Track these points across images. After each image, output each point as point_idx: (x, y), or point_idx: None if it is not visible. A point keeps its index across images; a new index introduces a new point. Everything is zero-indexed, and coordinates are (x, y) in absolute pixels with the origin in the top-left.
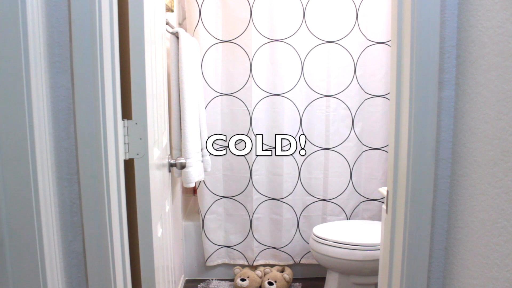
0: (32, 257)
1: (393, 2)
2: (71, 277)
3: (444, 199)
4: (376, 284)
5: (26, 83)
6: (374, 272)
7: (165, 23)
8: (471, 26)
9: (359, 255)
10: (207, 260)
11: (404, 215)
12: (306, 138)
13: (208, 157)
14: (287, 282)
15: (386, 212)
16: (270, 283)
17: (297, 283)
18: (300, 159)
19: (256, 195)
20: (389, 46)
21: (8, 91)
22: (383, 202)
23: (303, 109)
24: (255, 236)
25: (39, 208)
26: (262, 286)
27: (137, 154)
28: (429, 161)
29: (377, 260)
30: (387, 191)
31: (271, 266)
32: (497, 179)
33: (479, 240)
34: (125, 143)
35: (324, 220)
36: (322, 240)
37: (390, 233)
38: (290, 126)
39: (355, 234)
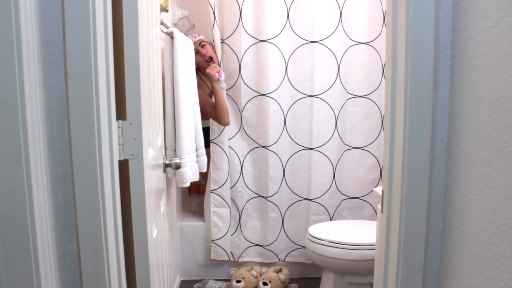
0: (26, 258)
1: (387, 2)
2: (66, 279)
3: (439, 198)
4: (371, 284)
5: (19, 83)
6: (370, 272)
7: (159, 23)
8: (466, 26)
9: (354, 254)
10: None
11: (399, 215)
12: (290, 137)
13: (204, 157)
14: (282, 282)
15: (382, 211)
16: (265, 283)
17: (293, 284)
18: (284, 158)
19: (246, 191)
20: (371, 46)
21: (1, 91)
22: (365, 200)
23: (287, 109)
24: (242, 233)
25: (33, 210)
26: (257, 287)
27: (132, 154)
28: (424, 161)
29: (373, 259)
30: (382, 191)
31: (262, 265)
32: (491, 179)
33: (474, 240)
34: (119, 144)
35: (308, 219)
36: (317, 240)
37: (385, 233)
38: (275, 126)
39: (351, 234)
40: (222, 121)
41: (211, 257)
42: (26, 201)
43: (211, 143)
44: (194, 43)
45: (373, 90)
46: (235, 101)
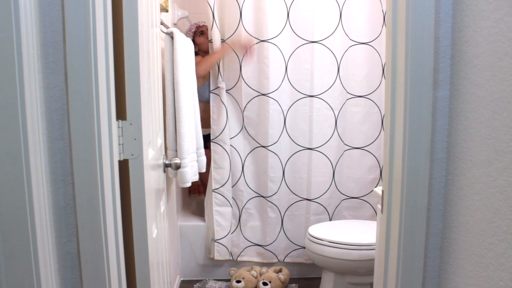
0: (26, 258)
1: (387, 2)
2: (66, 279)
3: (439, 198)
4: (371, 284)
5: (19, 83)
6: (370, 272)
7: (159, 23)
8: (466, 26)
9: (354, 254)
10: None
11: (399, 215)
12: (290, 137)
13: (203, 157)
14: (282, 282)
15: (382, 211)
16: (265, 283)
17: (293, 284)
18: (284, 158)
19: (247, 191)
20: (371, 46)
21: (1, 91)
22: (365, 200)
23: (287, 109)
24: (242, 232)
25: (33, 210)
26: (257, 287)
27: (132, 154)
28: (424, 161)
29: (373, 259)
30: (382, 191)
31: (261, 265)
32: (491, 179)
33: (474, 240)
34: (119, 144)
35: (307, 220)
36: (317, 240)
37: (385, 233)
38: (275, 126)
39: (351, 234)
40: (198, 70)
41: (215, 257)
42: (26, 201)
43: (211, 143)
44: (194, 32)
45: (373, 90)
46: (236, 101)
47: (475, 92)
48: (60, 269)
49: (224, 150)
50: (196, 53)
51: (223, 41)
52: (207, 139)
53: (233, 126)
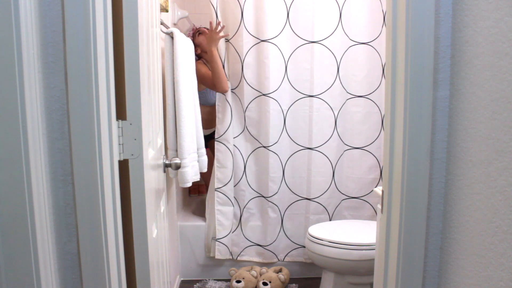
0: (26, 258)
1: (387, 2)
2: (66, 279)
3: (439, 198)
4: (371, 284)
5: (19, 83)
6: (370, 272)
7: (159, 23)
8: (466, 26)
9: (354, 254)
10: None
11: (399, 215)
12: (290, 137)
13: (204, 157)
14: (282, 282)
15: (382, 211)
16: (265, 283)
17: (293, 284)
18: (284, 158)
19: (248, 190)
20: (371, 46)
21: (1, 91)
22: (365, 200)
23: (287, 109)
24: (243, 231)
25: (33, 210)
26: (257, 287)
27: (132, 154)
28: (424, 161)
29: (373, 259)
30: (382, 191)
31: (261, 265)
32: (491, 179)
33: (474, 240)
34: (119, 144)
35: (307, 219)
36: (317, 240)
37: (385, 233)
38: (275, 126)
39: (351, 234)
40: (220, 88)
41: (216, 256)
42: (26, 201)
43: (216, 142)
44: (192, 34)
45: (373, 90)
46: (240, 101)
47: (475, 92)
48: (60, 269)
49: (227, 149)
50: (199, 57)
51: (227, 40)
52: (207, 139)
53: (236, 126)
